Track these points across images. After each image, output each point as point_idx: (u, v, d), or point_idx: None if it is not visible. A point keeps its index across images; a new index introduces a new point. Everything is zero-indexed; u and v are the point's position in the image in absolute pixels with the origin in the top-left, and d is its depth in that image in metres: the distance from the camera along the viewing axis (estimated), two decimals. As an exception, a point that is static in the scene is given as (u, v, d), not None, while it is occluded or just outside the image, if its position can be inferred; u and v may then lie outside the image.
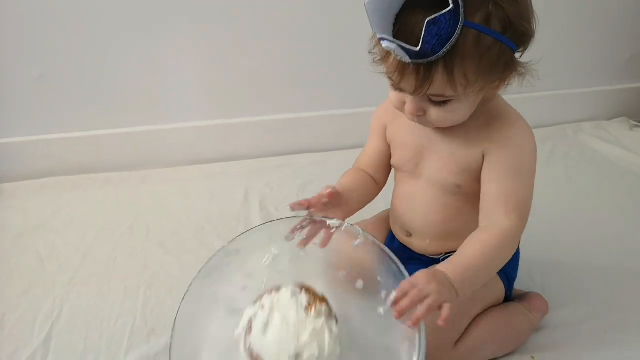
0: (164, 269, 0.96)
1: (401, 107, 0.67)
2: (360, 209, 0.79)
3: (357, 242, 0.65)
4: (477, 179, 0.70)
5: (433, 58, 0.56)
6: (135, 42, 1.20)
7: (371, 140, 0.82)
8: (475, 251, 0.64)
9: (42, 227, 1.08)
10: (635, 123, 1.44)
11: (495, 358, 0.76)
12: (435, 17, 0.54)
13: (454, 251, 0.75)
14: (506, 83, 0.65)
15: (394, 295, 0.58)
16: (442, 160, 0.71)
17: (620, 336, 0.80)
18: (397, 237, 0.82)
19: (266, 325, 0.61)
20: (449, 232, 0.76)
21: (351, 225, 0.67)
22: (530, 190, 0.68)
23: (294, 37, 1.26)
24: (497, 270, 0.67)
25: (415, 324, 0.57)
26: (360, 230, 0.66)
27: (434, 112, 0.64)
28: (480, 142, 0.68)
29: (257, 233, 0.70)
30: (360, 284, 0.66)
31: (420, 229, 0.78)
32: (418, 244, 0.79)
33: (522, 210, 0.66)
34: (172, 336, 0.63)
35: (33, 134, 1.25)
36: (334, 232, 0.67)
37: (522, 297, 0.83)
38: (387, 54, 0.61)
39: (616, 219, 1.09)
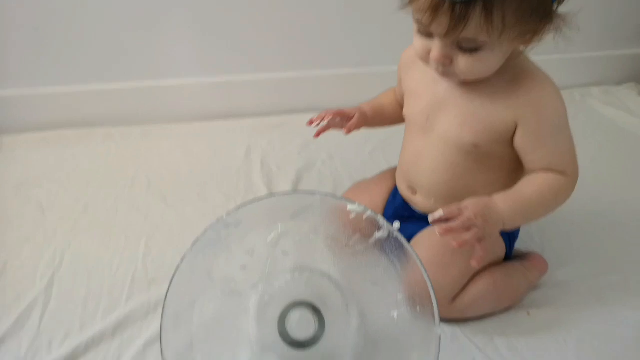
0: (164, 222, 0.96)
1: (425, 55, 0.64)
2: (388, 125, 0.85)
3: (379, 234, 0.61)
4: (499, 141, 0.68)
5: None
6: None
7: (397, 83, 0.82)
8: (533, 188, 0.67)
9: (43, 179, 1.08)
10: (643, 88, 1.42)
11: (492, 313, 0.76)
12: None
13: None
14: (540, 36, 0.62)
15: (440, 212, 0.62)
16: (461, 116, 0.69)
17: (618, 296, 0.80)
18: (401, 193, 0.82)
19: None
20: (455, 193, 0.74)
21: (375, 213, 0.61)
22: (572, 141, 0.69)
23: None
24: (546, 215, 0.69)
25: (461, 245, 0.62)
26: (385, 222, 0.60)
27: (462, 61, 0.62)
28: (508, 104, 0.66)
29: (261, 206, 0.62)
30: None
31: (426, 187, 0.77)
32: (422, 203, 0.78)
33: (574, 164, 0.68)
34: (162, 318, 0.58)
35: (34, 86, 1.24)
36: (352, 218, 0.61)
37: (522, 256, 0.83)
38: None
39: (620, 182, 1.08)
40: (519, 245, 0.85)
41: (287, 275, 0.65)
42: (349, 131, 0.79)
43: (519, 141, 0.68)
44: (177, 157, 1.17)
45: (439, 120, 0.72)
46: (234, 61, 1.30)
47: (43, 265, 0.86)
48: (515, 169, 0.73)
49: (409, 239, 0.75)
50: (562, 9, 0.63)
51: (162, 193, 1.04)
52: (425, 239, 0.76)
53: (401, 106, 0.81)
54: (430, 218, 0.62)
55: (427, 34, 0.62)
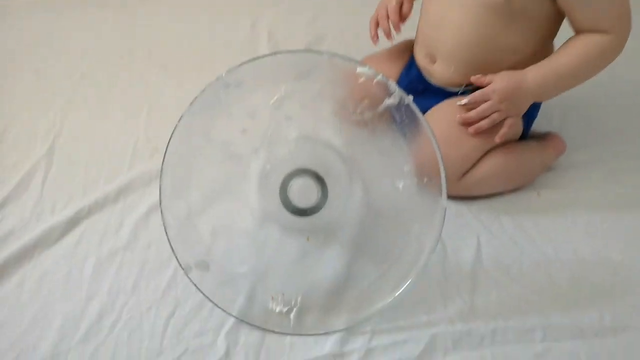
0: (166, 91, 0.92)
1: None
2: None
3: (389, 100, 0.57)
4: None
5: None
6: None
7: None
8: (570, 58, 0.64)
9: (38, 46, 1.03)
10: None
11: (501, 192, 0.74)
12: None
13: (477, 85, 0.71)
14: None
15: (465, 100, 0.64)
16: None
17: (633, 179, 0.77)
18: (419, 64, 0.76)
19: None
20: (478, 59, 0.69)
21: (386, 78, 0.56)
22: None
23: None
24: (585, 80, 0.66)
25: (475, 132, 0.65)
26: (397, 87, 0.56)
27: None
28: None
29: (264, 64, 0.56)
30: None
31: (447, 52, 0.71)
32: (440, 72, 0.73)
33: (626, 17, 0.63)
34: (160, 180, 0.56)
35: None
36: (361, 82, 0.56)
37: (540, 136, 0.79)
38: None
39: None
40: (538, 126, 0.81)
41: (290, 143, 0.62)
42: (404, 21, 0.76)
43: None
44: (179, 27, 1.10)
45: None
46: None
47: (43, 131, 0.84)
48: (548, 35, 0.67)
49: (423, 112, 0.71)
50: None
51: (162, 63, 0.99)
52: (439, 112, 0.72)
53: None
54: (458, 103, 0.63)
55: None
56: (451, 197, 0.72)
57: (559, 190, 0.75)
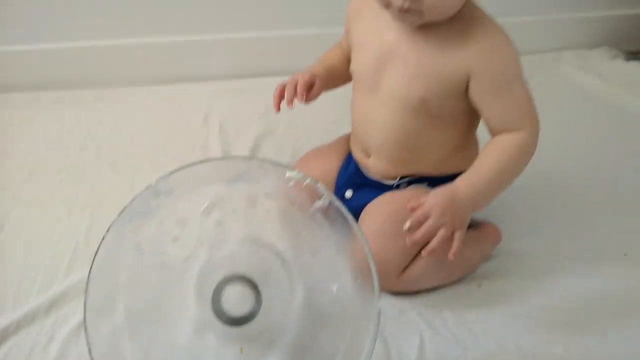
0: (112, 191, 0.92)
1: None
2: (339, 86, 0.81)
3: (319, 202, 0.57)
4: (450, 95, 0.66)
5: None
6: None
7: (342, 37, 0.79)
8: (492, 161, 0.65)
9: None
10: (617, 53, 1.39)
11: (443, 285, 0.74)
12: None
13: (410, 177, 0.74)
14: None
15: (408, 224, 0.63)
16: (410, 68, 0.66)
17: (572, 266, 0.79)
18: (355, 158, 0.79)
19: None
20: (408, 154, 0.72)
21: (315, 181, 0.57)
22: (529, 91, 0.66)
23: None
24: (514, 180, 0.68)
25: (430, 254, 0.63)
26: (326, 190, 0.57)
27: None
28: (459, 54, 0.63)
29: (194, 171, 0.57)
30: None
31: (378, 149, 0.74)
32: (375, 166, 0.76)
33: (533, 112, 0.66)
34: (85, 295, 0.54)
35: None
36: (291, 185, 0.58)
37: (475, 225, 0.81)
38: None
39: (586, 148, 1.05)
40: (476, 214, 0.83)
41: (223, 249, 0.62)
42: (310, 101, 0.77)
43: (473, 94, 0.65)
44: (131, 123, 1.11)
45: (386, 74, 0.68)
46: (193, 20, 1.23)
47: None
48: (468, 129, 0.71)
49: (361, 207, 0.74)
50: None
51: (113, 160, 1.00)
52: (377, 207, 0.73)
53: (349, 62, 0.77)
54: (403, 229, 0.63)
55: None
56: (394, 292, 0.72)
57: (500, 280, 0.76)
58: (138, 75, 1.24)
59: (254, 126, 1.11)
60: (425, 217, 0.63)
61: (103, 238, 0.56)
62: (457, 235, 0.63)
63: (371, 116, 0.72)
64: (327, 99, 0.81)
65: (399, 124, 0.69)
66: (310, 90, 0.76)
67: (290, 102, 0.74)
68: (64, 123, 1.10)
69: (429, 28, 0.64)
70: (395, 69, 0.67)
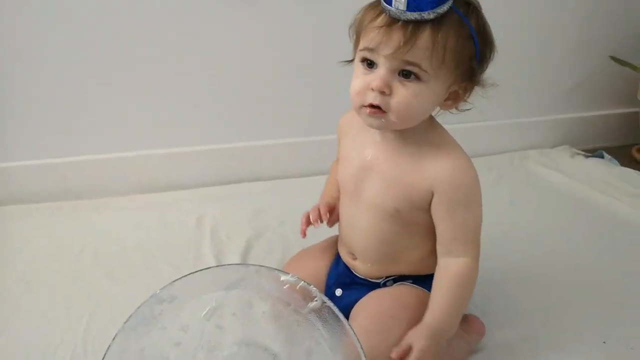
0: (109, 298, 0.94)
1: (365, 90, 0.66)
2: None
3: (312, 304, 0.63)
4: (418, 207, 0.73)
5: (425, 14, 0.61)
6: (86, 66, 1.21)
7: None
8: (444, 292, 0.72)
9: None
10: (576, 151, 1.51)
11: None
12: None
13: (395, 276, 0.80)
14: (464, 97, 0.70)
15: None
16: (385, 181, 0.73)
17: (557, 355, 0.82)
18: (343, 259, 0.84)
19: None
20: (389, 256, 0.78)
21: (308, 284, 0.63)
22: (481, 218, 0.73)
23: (246, 64, 1.29)
24: (470, 298, 0.74)
25: None
26: (318, 292, 0.63)
27: (400, 91, 0.65)
28: (425, 173, 0.71)
29: (195, 279, 0.63)
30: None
31: (362, 252, 0.80)
32: (361, 267, 0.81)
33: (477, 240, 0.73)
34: None
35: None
36: (286, 288, 0.64)
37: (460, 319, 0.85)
38: (377, 14, 0.64)
39: (556, 239, 1.13)
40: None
41: (223, 350, 0.65)
42: (333, 224, 0.84)
43: (432, 209, 0.72)
44: (126, 230, 1.16)
45: (366, 186, 0.75)
46: (182, 134, 1.33)
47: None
48: None
49: (351, 305, 0.78)
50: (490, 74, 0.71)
51: (109, 268, 1.03)
52: (366, 305, 0.77)
53: None
54: None
55: (369, 64, 0.66)
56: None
57: (488, 372, 0.79)
58: (132, 185, 1.31)
59: (245, 229, 1.16)
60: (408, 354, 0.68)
61: (109, 347, 0.59)
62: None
63: (355, 222, 0.78)
64: (315, 201, 0.87)
65: (378, 230, 0.76)
66: (332, 214, 0.83)
67: (316, 222, 0.80)
68: (61, 233, 1.14)
69: (401, 147, 0.72)
70: (372, 181, 0.74)
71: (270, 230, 1.16)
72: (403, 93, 0.65)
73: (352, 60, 0.73)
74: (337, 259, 0.86)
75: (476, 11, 0.66)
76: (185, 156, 1.34)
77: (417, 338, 0.68)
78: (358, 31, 0.69)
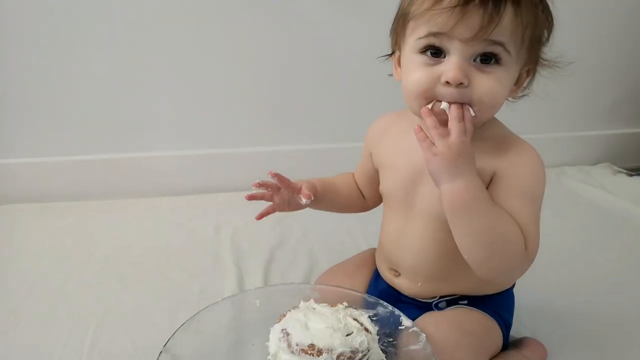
0: (118, 305, 0.86)
1: (433, 85, 0.57)
2: (337, 211, 0.79)
3: None
4: None
5: None
6: (103, 66, 1.15)
7: (363, 160, 0.77)
8: (501, 211, 0.57)
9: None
10: (617, 169, 1.43)
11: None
12: None
13: (449, 295, 0.70)
14: (531, 78, 0.62)
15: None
16: None
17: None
18: (383, 277, 0.75)
19: (305, 323, 0.60)
20: (444, 273, 0.68)
21: None
22: (539, 220, 0.61)
23: (270, 69, 1.23)
24: (491, 248, 0.57)
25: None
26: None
27: (482, 79, 0.56)
28: (491, 164, 0.61)
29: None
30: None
31: (411, 269, 0.70)
32: (408, 286, 0.71)
33: (535, 242, 0.59)
34: None
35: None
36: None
37: (518, 343, 0.76)
38: None
39: (603, 260, 1.04)
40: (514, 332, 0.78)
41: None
42: (305, 196, 0.69)
43: (490, 193, 0.60)
44: (140, 234, 1.09)
45: (420, 193, 0.66)
46: (204, 134, 1.27)
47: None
48: None
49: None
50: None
51: (120, 272, 0.95)
52: (428, 326, 0.66)
53: (359, 190, 0.77)
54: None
55: (434, 52, 0.57)
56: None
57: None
58: (147, 187, 1.25)
59: (267, 237, 1.08)
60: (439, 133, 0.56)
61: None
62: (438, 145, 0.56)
63: (404, 236, 0.69)
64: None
65: (434, 243, 0.66)
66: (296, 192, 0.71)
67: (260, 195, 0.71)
68: (71, 234, 1.07)
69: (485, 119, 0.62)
70: (429, 187, 0.62)
71: (294, 239, 1.08)
72: (487, 81, 0.56)
73: (392, 54, 0.65)
74: (376, 275, 0.77)
75: None
76: (205, 159, 1.28)
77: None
78: (410, 17, 0.59)
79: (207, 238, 1.08)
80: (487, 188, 0.61)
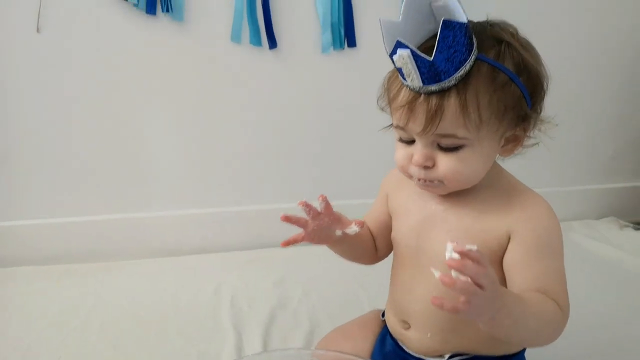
0: (113, 373, 0.83)
1: (407, 163, 0.61)
2: (351, 258, 0.75)
3: None
4: (494, 262, 0.62)
5: (446, 82, 0.55)
6: (100, 126, 1.17)
7: (375, 206, 0.76)
8: (533, 300, 0.57)
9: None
10: (624, 223, 1.41)
11: None
12: (451, 21, 0.53)
13: (460, 354, 0.67)
14: (521, 143, 0.62)
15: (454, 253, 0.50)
16: (454, 232, 0.63)
17: None
18: (392, 331, 0.72)
19: None
20: (455, 325, 0.66)
21: None
22: (564, 271, 0.61)
23: (271, 129, 1.25)
24: (533, 339, 0.59)
25: (454, 285, 0.50)
26: None
27: (444, 161, 0.59)
28: (502, 218, 0.61)
29: None
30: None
31: (421, 319, 0.67)
32: (417, 339, 0.68)
33: (566, 296, 0.60)
34: None
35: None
36: None
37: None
38: (398, 89, 0.59)
39: (612, 315, 1.00)
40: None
41: None
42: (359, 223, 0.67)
43: (509, 256, 0.61)
44: (138, 297, 1.06)
45: (430, 239, 0.65)
46: (204, 194, 1.27)
47: None
48: None
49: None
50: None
51: (116, 337, 0.93)
52: None
53: (372, 237, 0.75)
54: (449, 252, 0.51)
55: (407, 139, 0.61)
56: None
57: None
58: (146, 248, 1.23)
59: (267, 298, 1.06)
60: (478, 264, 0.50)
61: None
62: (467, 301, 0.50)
63: (414, 283, 0.68)
64: (342, 268, 0.78)
65: (443, 289, 0.64)
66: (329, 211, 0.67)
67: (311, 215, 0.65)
68: (67, 297, 1.05)
69: (469, 194, 0.64)
70: (439, 233, 0.64)
71: (295, 300, 1.06)
72: (447, 163, 0.59)
73: (392, 125, 0.66)
74: (382, 336, 0.75)
75: (510, 47, 0.58)
76: (203, 218, 1.27)
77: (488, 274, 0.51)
78: (388, 102, 0.63)
79: (207, 300, 1.05)
80: (505, 250, 0.61)
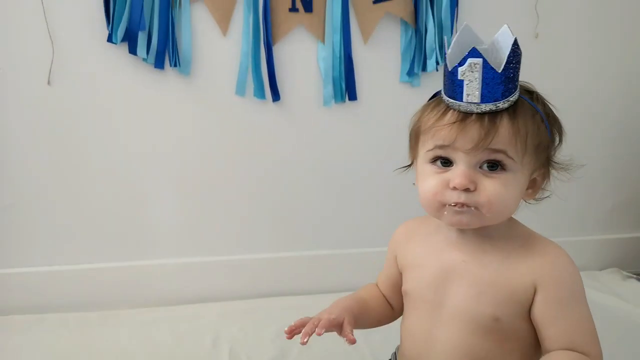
0: None
1: (442, 190, 0.60)
2: (369, 327, 0.75)
3: None
4: (521, 313, 0.62)
5: (501, 103, 0.58)
6: (99, 175, 1.18)
7: (386, 267, 0.76)
8: None
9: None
10: (627, 274, 1.40)
11: None
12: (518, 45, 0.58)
13: None
14: (542, 184, 0.65)
15: None
16: (477, 284, 0.62)
17: None
18: None
19: None
20: None
21: None
22: (591, 316, 0.62)
23: (272, 179, 1.26)
24: None
25: None
26: None
27: (488, 184, 0.59)
28: (526, 267, 0.62)
29: None
30: None
31: None
32: None
33: (597, 341, 0.61)
34: None
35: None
36: None
37: None
38: (443, 112, 0.60)
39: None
40: None
41: None
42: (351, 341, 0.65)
43: (538, 309, 0.61)
44: (136, 348, 1.05)
45: (450, 292, 0.64)
46: (201, 242, 1.26)
47: None
48: (537, 356, 0.64)
49: None
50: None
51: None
52: None
53: (387, 301, 0.75)
54: None
55: (444, 162, 0.61)
56: None
57: None
58: (145, 297, 1.22)
59: (267, 349, 1.04)
60: None
61: None
62: None
63: (433, 338, 0.65)
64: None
65: (466, 346, 0.63)
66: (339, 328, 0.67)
67: (305, 336, 0.64)
68: (65, 347, 1.04)
69: (487, 243, 0.63)
70: (460, 286, 0.63)
71: (296, 351, 1.04)
72: (492, 186, 0.59)
73: (410, 165, 0.68)
74: (392, 396, 0.73)
75: (541, 97, 0.64)
76: (202, 267, 1.26)
77: None
78: (420, 132, 0.64)
79: (205, 352, 1.04)
80: (532, 302, 0.61)
